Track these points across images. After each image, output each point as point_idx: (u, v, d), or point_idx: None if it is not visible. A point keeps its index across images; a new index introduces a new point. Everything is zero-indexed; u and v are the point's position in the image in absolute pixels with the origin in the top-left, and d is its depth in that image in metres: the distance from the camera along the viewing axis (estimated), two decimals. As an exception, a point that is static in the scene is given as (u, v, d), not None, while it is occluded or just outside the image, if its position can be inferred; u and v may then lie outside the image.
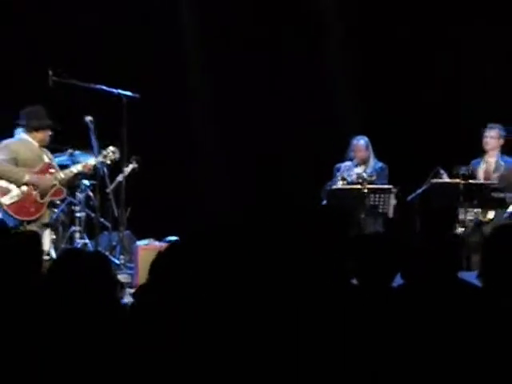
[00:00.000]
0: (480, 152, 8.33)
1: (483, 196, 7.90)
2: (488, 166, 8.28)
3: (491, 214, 8.02)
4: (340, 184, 8.30)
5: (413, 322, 3.23)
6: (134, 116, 7.97)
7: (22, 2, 9.57)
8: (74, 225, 8.18)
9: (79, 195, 8.14)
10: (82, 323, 3.14)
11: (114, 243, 8.24)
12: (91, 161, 7.76)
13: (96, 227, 8.02)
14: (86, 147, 7.87)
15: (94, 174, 7.93)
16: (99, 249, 7.77)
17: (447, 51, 9.48)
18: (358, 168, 8.44)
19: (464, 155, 8.40)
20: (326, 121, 9.78)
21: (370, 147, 8.55)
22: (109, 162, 7.85)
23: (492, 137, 8.23)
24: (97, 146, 7.77)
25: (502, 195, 7.91)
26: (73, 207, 8.27)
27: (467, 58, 9.39)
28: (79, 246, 8.01)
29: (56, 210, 7.87)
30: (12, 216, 7.44)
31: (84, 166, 7.73)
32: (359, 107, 9.80)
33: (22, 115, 7.61)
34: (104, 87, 8.04)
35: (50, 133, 7.62)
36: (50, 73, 7.89)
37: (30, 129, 7.57)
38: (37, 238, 4.35)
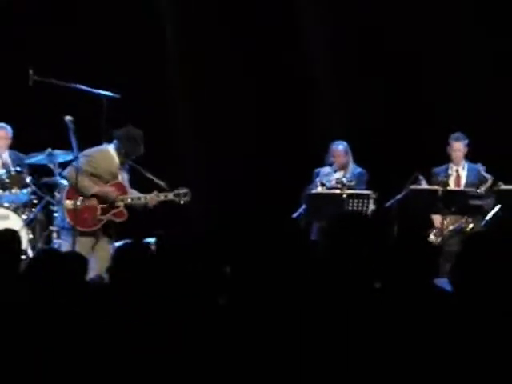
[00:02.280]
0: (445, 159, 8.41)
1: (461, 203, 7.94)
2: (458, 174, 8.34)
3: (471, 225, 8.07)
4: (319, 189, 8.32)
5: (388, 326, 3.24)
6: (114, 116, 7.94)
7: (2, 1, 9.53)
8: (52, 225, 8.15)
9: (57, 195, 8.10)
10: (58, 321, 3.13)
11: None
12: (161, 195, 7.66)
13: (73, 228, 7.97)
14: (66, 147, 7.84)
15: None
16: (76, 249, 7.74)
17: (424, 58, 9.53)
18: (337, 173, 8.46)
19: (442, 160, 8.46)
20: (306, 125, 9.80)
21: (350, 152, 8.57)
22: (178, 202, 7.69)
23: (459, 149, 8.33)
24: (76, 146, 7.74)
25: (479, 202, 7.96)
26: (51, 207, 8.24)
27: (444, 64, 9.44)
28: (56, 245, 7.97)
29: (54, 208, 7.81)
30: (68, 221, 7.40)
31: (152, 199, 7.63)
32: (339, 112, 9.82)
33: (122, 133, 7.56)
34: (84, 87, 8.01)
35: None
36: (31, 72, 7.86)
37: (122, 150, 7.51)
38: (17, 238, 4.34)
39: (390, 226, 8.06)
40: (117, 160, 7.60)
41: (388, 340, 3.19)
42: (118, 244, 8.13)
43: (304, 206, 8.17)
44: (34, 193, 8.14)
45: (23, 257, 7.02)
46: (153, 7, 9.99)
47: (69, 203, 7.44)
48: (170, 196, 7.68)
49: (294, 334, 3.16)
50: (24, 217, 8.04)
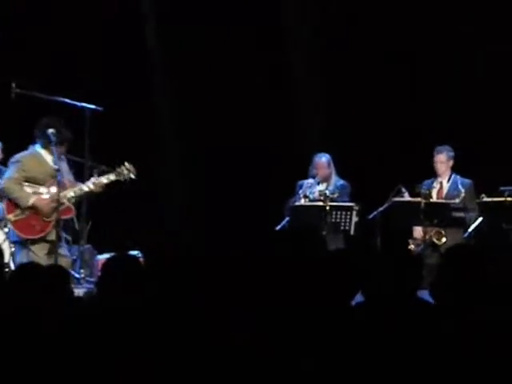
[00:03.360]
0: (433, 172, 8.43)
1: (443, 215, 7.97)
2: (440, 187, 8.36)
3: (444, 239, 8.07)
4: (302, 201, 8.33)
5: (372, 339, 3.24)
6: (96, 129, 7.93)
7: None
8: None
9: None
10: (39, 334, 3.12)
11: (74, 257, 8.18)
12: (103, 179, 7.57)
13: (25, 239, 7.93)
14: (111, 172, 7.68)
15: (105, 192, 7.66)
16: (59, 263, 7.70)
17: (411, 70, 9.57)
18: (320, 185, 8.47)
19: (427, 174, 8.48)
20: (289, 137, 9.82)
21: (332, 165, 8.58)
22: (123, 180, 7.62)
23: (442, 162, 8.33)
24: (57, 160, 7.68)
25: (462, 215, 7.99)
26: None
27: (433, 77, 9.48)
28: (45, 262, 7.92)
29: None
30: (17, 233, 7.33)
31: (95, 184, 7.53)
32: (322, 124, 9.85)
33: (38, 128, 7.40)
34: (67, 100, 7.99)
35: (67, 146, 7.47)
36: (13, 85, 7.83)
37: (55, 144, 7.32)
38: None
39: (373, 238, 8.09)
40: (48, 158, 7.44)
41: (372, 352, 3.19)
42: (102, 257, 8.13)
43: (287, 219, 8.18)
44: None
45: (6, 270, 6.98)
46: (135, 19, 9.99)
47: (11, 217, 7.32)
48: (112, 177, 7.55)
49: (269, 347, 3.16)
50: (6, 230, 7.99)
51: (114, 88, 9.36)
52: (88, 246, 8.40)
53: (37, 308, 3.19)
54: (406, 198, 8.18)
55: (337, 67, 9.74)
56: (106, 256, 8.09)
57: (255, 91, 9.88)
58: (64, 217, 7.46)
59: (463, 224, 7.96)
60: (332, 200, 8.16)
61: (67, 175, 7.55)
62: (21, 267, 3.59)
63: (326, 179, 8.53)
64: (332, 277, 3.54)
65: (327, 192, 8.24)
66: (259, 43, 9.89)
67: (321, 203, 8.15)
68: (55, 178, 7.38)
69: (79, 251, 8.11)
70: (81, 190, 7.49)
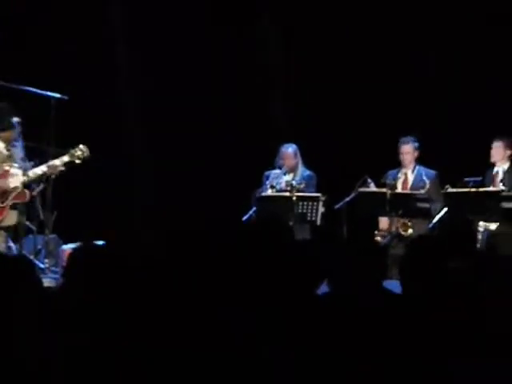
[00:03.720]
0: (398, 163, 8.48)
1: (409, 206, 8.02)
2: (405, 178, 8.41)
3: (411, 230, 8.13)
4: (269, 192, 8.34)
5: (338, 329, 3.26)
6: (61, 117, 7.88)
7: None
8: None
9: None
10: (6, 327, 3.10)
11: (39, 247, 8.13)
12: (56, 161, 7.56)
13: (21, 230, 7.89)
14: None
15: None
16: (24, 252, 7.66)
17: (376, 59, 9.61)
18: (287, 176, 8.49)
19: (392, 164, 8.53)
20: (256, 127, 9.82)
21: (299, 155, 8.61)
22: (77, 161, 7.62)
23: (407, 152, 8.39)
24: (22, 148, 7.64)
25: (427, 205, 8.04)
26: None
27: (397, 66, 9.53)
28: (3, 249, 7.87)
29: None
30: None
31: (49, 167, 7.52)
32: (289, 114, 9.87)
33: None
34: (32, 89, 7.94)
35: (15, 131, 7.42)
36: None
37: None
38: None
39: (339, 228, 8.12)
40: (1, 144, 7.40)
41: (338, 344, 3.21)
42: (67, 246, 8.08)
43: (254, 209, 8.19)
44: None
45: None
46: (102, 8, 9.93)
47: None
48: (66, 158, 7.57)
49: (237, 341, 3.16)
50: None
51: (78, 76, 9.30)
52: (53, 235, 8.36)
53: (7, 299, 3.17)
54: (372, 188, 8.23)
55: (305, 56, 9.76)
56: (71, 246, 8.06)
57: (223, 80, 9.86)
58: (18, 201, 7.43)
59: (428, 215, 8.02)
60: (298, 190, 8.19)
61: (20, 161, 7.52)
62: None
63: (293, 169, 8.55)
64: (297, 267, 3.55)
65: (294, 182, 8.26)
66: (228, 30, 9.86)
67: (287, 193, 8.17)
68: (8, 162, 7.34)
69: (44, 241, 8.07)
70: (34, 173, 7.49)
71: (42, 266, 7.80)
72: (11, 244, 7.98)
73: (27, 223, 8.05)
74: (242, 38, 9.88)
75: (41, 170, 7.50)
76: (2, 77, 7.87)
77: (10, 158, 7.37)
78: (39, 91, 7.94)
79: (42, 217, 7.98)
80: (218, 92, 9.86)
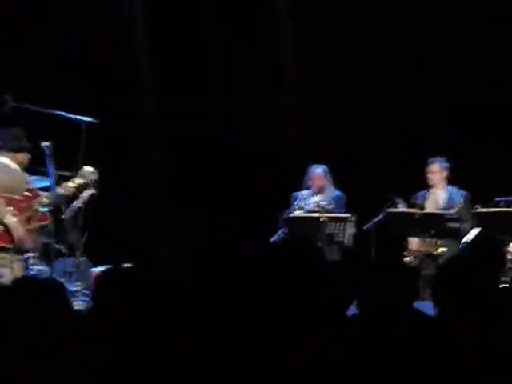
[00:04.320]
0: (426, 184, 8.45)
1: (439, 226, 7.98)
2: (434, 198, 8.36)
3: (443, 248, 8.08)
4: (298, 212, 8.33)
5: (367, 352, 3.24)
6: (91, 141, 7.93)
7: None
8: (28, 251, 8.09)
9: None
10: (37, 350, 3.11)
11: (70, 269, 8.17)
12: (69, 183, 7.63)
13: (51, 253, 7.93)
14: (43, 173, 7.79)
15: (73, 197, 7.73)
16: (54, 275, 7.69)
17: (406, 81, 9.59)
18: (316, 196, 8.48)
19: (422, 185, 8.50)
20: (285, 148, 9.83)
21: (328, 175, 8.59)
22: (89, 182, 7.69)
23: (433, 172, 8.35)
24: (53, 173, 7.69)
25: (457, 225, 7.99)
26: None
27: (427, 87, 9.50)
28: (34, 272, 7.92)
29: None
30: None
31: (64, 189, 7.59)
32: (317, 135, 9.87)
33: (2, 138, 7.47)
34: (63, 113, 7.99)
35: (29, 155, 7.49)
36: (8, 98, 7.83)
37: (11, 150, 7.39)
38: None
39: (368, 248, 8.09)
40: (16, 166, 7.41)
41: (369, 367, 3.19)
42: (97, 269, 8.12)
43: (282, 230, 8.18)
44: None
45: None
46: (128, 32, 10.02)
47: None
48: (78, 180, 7.61)
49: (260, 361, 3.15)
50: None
51: (108, 101, 9.38)
52: (84, 258, 8.40)
53: (37, 322, 3.19)
54: (401, 208, 8.19)
55: (332, 79, 9.76)
56: (101, 268, 8.09)
57: (250, 100, 9.89)
58: (41, 223, 7.45)
59: (458, 235, 7.96)
60: (328, 211, 8.17)
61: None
62: (16, 281, 3.58)
63: (322, 190, 8.54)
64: (327, 288, 3.54)
65: (323, 203, 8.24)
66: (244, 42, 9.89)
67: (316, 214, 8.16)
68: (28, 184, 7.40)
69: (75, 263, 8.10)
70: (54, 195, 7.54)
71: (72, 288, 7.83)
72: (41, 267, 8.03)
73: (57, 246, 8.09)
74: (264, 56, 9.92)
75: (58, 191, 7.56)
76: (30, 101, 7.94)
77: (27, 180, 7.44)
78: (69, 115, 7.99)
79: (72, 239, 8.02)
80: (248, 111, 9.88)
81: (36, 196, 7.43)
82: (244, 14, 9.86)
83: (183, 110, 9.83)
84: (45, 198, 7.49)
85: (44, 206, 7.46)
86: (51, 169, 7.68)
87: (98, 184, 7.69)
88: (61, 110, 7.99)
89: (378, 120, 9.61)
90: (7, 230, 7.20)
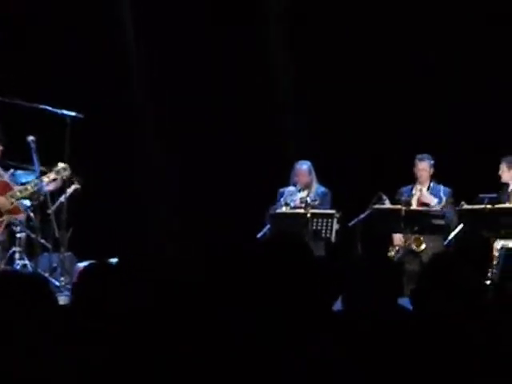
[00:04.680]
0: (413, 179, 8.46)
1: (424, 223, 8.00)
2: (420, 194, 8.39)
3: (423, 245, 8.11)
4: (283, 209, 8.34)
5: (352, 346, 3.25)
6: (76, 136, 7.92)
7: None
8: (15, 245, 8.08)
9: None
10: (22, 346, 3.10)
11: (55, 264, 8.15)
12: (44, 178, 7.63)
13: (36, 248, 7.92)
14: (28, 167, 7.78)
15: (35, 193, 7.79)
16: (39, 270, 7.68)
17: (390, 76, 9.60)
18: (302, 193, 8.49)
19: (406, 181, 8.52)
20: (270, 144, 9.83)
21: (313, 172, 8.61)
22: (62, 177, 7.72)
23: (424, 169, 8.40)
24: (38, 166, 7.69)
25: (442, 222, 8.02)
26: (13, 227, 8.17)
27: (410, 83, 9.52)
28: (19, 266, 7.90)
29: (16, 229, 7.73)
30: None
31: (36, 185, 7.58)
32: (302, 131, 9.87)
33: None
34: (48, 107, 7.98)
35: (1, 148, 7.48)
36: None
37: None
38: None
39: (354, 245, 8.11)
40: None
41: (351, 359, 3.19)
42: (82, 264, 8.10)
43: (268, 226, 8.18)
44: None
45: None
46: (117, 24, 9.98)
47: None
48: (52, 175, 7.64)
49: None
50: None
51: (93, 94, 9.35)
52: (68, 253, 8.38)
53: (21, 317, 3.17)
54: (387, 205, 8.21)
55: (319, 73, 9.76)
56: (86, 263, 8.06)
57: (237, 96, 9.89)
58: (13, 216, 7.44)
59: (443, 231, 8.00)
60: (313, 207, 8.18)
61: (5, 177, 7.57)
62: (2, 274, 3.57)
63: (307, 186, 8.55)
64: (313, 284, 3.54)
65: (308, 199, 8.26)
66: (242, 42, 9.89)
67: (302, 210, 8.17)
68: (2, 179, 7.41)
69: (59, 259, 8.09)
70: (26, 189, 7.54)
71: (57, 283, 7.82)
72: (26, 261, 8.01)
73: (42, 241, 8.07)
74: (256, 49, 9.91)
75: (31, 186, 7.55)
76: (17, 95, 7.92)
77: None
78: (54, 109, 7.97)
79: (57, 234, 8.01)
80: (234, 107, 9.88)
81: (7, 189, 7.42)
82: (242, 14, 9.85)
83: (180, 109, 9.82)
84: (18, 192, 7.48)
85: (18, 199, 7.45)
86: (36, 163, 7.67)
87: (71, 180, 7.74)
88: (46, 105, 7.98)
89: (363, 117, 9.62)
90: None
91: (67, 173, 7.74)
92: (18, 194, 7.50)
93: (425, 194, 8.34)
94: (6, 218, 7.39)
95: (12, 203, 7.39)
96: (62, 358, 3.10)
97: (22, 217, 7.57)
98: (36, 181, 7.59)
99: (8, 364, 3.04)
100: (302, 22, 9.87)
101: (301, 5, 9.86)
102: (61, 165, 7.71)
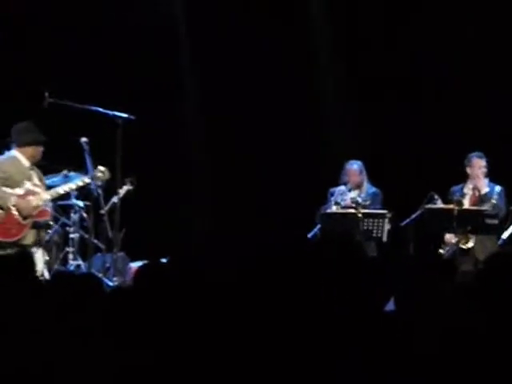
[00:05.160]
0: (463, 178, 8.37)
1: (477, 222, 7.91)
2: (474, 193, 8.28)
3: (471, 243, 8.02)
4: (334, 208, 8.31)
5: (404, 348, 3.23)
6: (128, 137, 7.98)
7: (21, 24, 9.62)
8: (68, 246, 8.18)
9: (73, 216, 8.14)
10: (77, 344, 3.14)
11: (108, 265, 8.23)
12: (78, 181, 7.71)
13: (90, 248, 8.00)
14: (81, 169, 7.86)
15: (88, 194, 7.89)
16: (92, 270, 7.76)
17: (441, 76, 9.52)
18: (352, 192, 8.45)
19: (458, 180, 8.44)
20: (321, 144, 9.81)
21: (364, 172, 8.56)
22: (99, 183, 7.76)
23: (480, 167, 8.26)
24: (91, 168, 7.76)
25: (495, 222, 7.93)
26: (67, 228, 8.27)
27: (463, 83, 9.43)
28: (72, 267, 7.99)
29: (49, 231, 7.82)
30: None
31: (70, 188, 7.66)
32: (353, 131, 9.83)
33: (12, 131, 7.58)
34: (100, 109, 8.05)
35: (41, 149, 7.56)
36: (46, 94, 7.90)
37: (20, 144, 7.49)
38: (30, 260, 4.36)
39: (406, 245, 8.05)
40: (25, 161, 7.51)
41: (404, 361, 3.18)
42: (135, 264, 8.17)
43: (319, 226, 8.16)
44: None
45: (40, 278, 7.04)
46: (168, 28, 10.05)
47: None
48: (87, 179, 7.67)
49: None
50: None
51: (145, 97, 9.42)
52: (121, 253, 8.45)
53: (75, 316, 3.21)
54: (439, 205, 8.13)
55: (367, 73, 9.72)
56: (138, 263, 8.14)
57: (287, 98, 9.88)
58: (40, 219, 7.48)
59: (496, 231, 7.90)
60: (364, 207, 8.14)
61: (41, 180, 7.63)
62: (55, 276, 3.62)
63: (358, 186, 8.51)
64: (364, 284, 3.53)
65: (359, 199, 8.21)
66: (289, 47, 9.88)
67: (353, 210, 8.13)
68: (31, 179, 7.45)
69: (112, 259, 8.16)
70: (57, 192, 7.59)
71: (110, 283, 7.90)
72: (80, 262, 8.10)
73: (95, 241, 8.16)
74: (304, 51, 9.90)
75: (63, 189, 7.62)
76: (68, 97, 8.00)
77: (31, 177, 7.51)
78: (106, 111, 8.04)
79: (110, 235, 8.08)
80: (283, 107, 9.88)
81: (36, 193, 7.46)
82: (288, 12, 9.87)
83: (230, 110, 9.85)
84: (48, 195, 7.53)
85: (47, 202, 7.51)
86: (89, 164, 7.75)
87: (105, 184, 7.76)
88: (98, 107, 8.05)
89: (415, 115, 9.54)
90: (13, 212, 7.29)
91: (106, 176, 7.75)
92: (49, 196, 7.55)
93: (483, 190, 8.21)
94: (29, 220, 7.43)
95: (36, 207, 7.41)
96: (115, 358, 3.14)
97: (48, 219, 7.61)
98: (66, 185, 7.65)
99: (65, 358, 3.09)
100: (350, 18, 9.83)
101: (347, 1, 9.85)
102: (99, 168, 7.73)
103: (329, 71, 10.10)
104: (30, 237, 7.42)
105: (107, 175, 7.75)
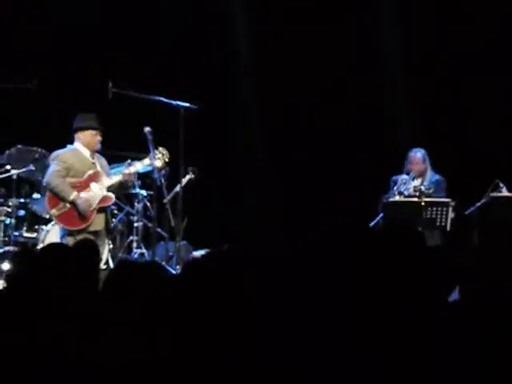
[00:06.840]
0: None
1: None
2: None
3: None
4: (397, 197, 8.24)
5: (469, 338, 3.19)
6: (191, 127, 8.02)
7: (84, 15, 9.74)
8: (132, 234, 8.28)
9: (137, 205, 8.23)
10: (142, 332, 3.17)
11: (171, 253, 8.31)
12: (138, 164, 7.76)
13: (153, 237, 8.08)
14: (145, 158, 7.92)
15: (151, 184, 7.95)
16: (156, 259, 7.84)
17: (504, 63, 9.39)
18: (415, 181, 8.37)
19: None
20: (384, 133, 9.74)
21: (428, 160, 8.47)
22: (158, 164, 7.80)
23: None
24: (155, 157, 7.82)
25: None
26: (131, 217, 8.37)
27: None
28: (136, 255, 8.09)
29: (114, 220, 7.91)
30: (62, 226, 7.48)
31: (124, 174, 7.71)
32: (417, 119, 9.74)
33: (74, 121, 7.71)
34: (162, 98, 8.11)
35: (98, 137, 7.64)
36: (110, 84, 7.98)
37: (77, 129, 7.61)
38: (95, 248, 4.42)
39: (470, 233, 7.95)
40: (86, 152, 7.61)
41: (472, 352, 3.14)
42: (197, 253, 8.24)
43: (381, 215, 8.11)
44: (114, 203, 8.26)
45: (104, 266, 7.15)
46: (229, 20, 10.08)
47: (55, 212, 7.47)
48: (146, 161, 7.68)
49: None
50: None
51: (207, 87, 9.46)
52: (184, 242, 8.52)
53: (139, 304, 3.25)
54: (504, 193, 8.01)
55: (431, 62, 9.62)
56: (201, 252, 8.20)
57: (349, 87, 9.84)
58: (104, 205, 7.56)
59: None
60: (427, 196, 8.06)
61: (103, 168, 7.70)
62: (119, 264, 3.66)
63: (422, 174, 8.42)
64: (429, 273, 3.49)
65: (422, 187, 8.13)
66: (347, 42, 9.83)
67: (416, 199, 8.05)
68: (94, 169, 7.53)
69: (175, 247, 8.23)
70: (118, 177, 7.65)
71: (173, 272, 7.96)
72: (144, 250, 8.19)
73: (159, 230, 8.23)
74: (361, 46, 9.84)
75: (123, 174, 7.65)
76: (132, 87, 8.07)
77: (94, 165, 7.60)
78: (169, 100, 8.09)
79: (172, 223, 8.15)
80: (345, 97, 9.83)
81: (97, 180, 7.56)
82: (350, 13, 9.83)
83: (284, 96, 9.84)
84: (110, 181, 7.62)
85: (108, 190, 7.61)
86: (153, 153, 7.81)
87: (168, 164, 7.79)
88: (161, 96, 8.11)
89: (479, 103, 9.41)
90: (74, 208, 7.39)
91: (165, 157, 7.80)
92: (110, 182, 7.65)
93: None
94: (95, 207, 7.53)
95: (92, 205, 7.51)
96: (180, 345, 3.16)
97: (110, 204, 7.70)
98: (129, 168, 7.72)
99: (127, 348, 3.12)
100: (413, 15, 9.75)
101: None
102: (160, 149, 7.80)
103: (393, 58, 10.02)
104: (99, 222, 7.52)
105: (167, 156, 7.80)
